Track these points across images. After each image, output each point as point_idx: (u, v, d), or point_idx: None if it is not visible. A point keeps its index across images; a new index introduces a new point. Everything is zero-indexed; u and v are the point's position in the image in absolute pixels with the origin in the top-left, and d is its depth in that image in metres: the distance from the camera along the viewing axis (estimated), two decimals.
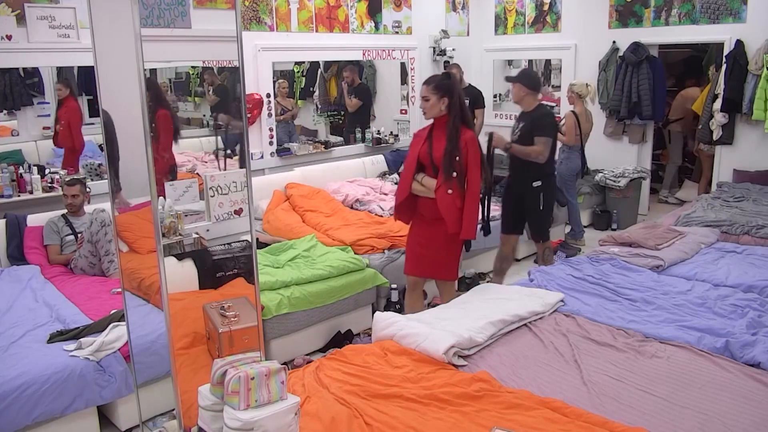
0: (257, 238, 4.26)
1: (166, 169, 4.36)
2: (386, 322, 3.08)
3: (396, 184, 5.08)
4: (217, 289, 3.62)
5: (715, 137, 6.23)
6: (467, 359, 2.83)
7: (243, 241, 4.12)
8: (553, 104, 7.93)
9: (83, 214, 4.28)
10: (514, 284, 3.82)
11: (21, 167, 4.53)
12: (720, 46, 6.25)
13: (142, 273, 3.63)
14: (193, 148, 5.92)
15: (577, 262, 4.09)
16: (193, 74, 6.32)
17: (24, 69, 4.80)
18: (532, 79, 4.35)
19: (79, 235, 4.18)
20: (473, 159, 3.42)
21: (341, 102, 7.15)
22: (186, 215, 4.36)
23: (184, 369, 2.62)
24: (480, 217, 3.78)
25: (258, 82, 5.74)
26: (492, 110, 8.13)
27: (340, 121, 7.19)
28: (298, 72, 6.90)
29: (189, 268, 3.65)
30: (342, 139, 6.89)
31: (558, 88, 7.73)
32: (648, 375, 2.66)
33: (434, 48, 7.32)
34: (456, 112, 3.44)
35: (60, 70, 5.02)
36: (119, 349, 3.03)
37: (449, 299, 3.58)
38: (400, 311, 4.06)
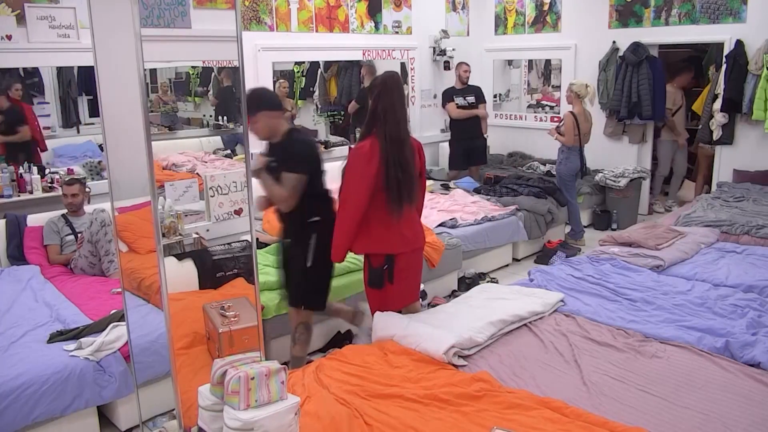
0: (257, 238, 4.26)
1: None
2: (386, 322, 3.08)
3: None
4: (217, 289, 3.63)
5: (715, 137, 6.23)
6: (467, 359, 2.83)
7: (243, 241, 4.13)
8: (553, 104, 7.94)
9: (83, 214, 4.28)
10: (514, 284, 3.82)
11: (21, 167, 4.53)
12: (720, 46, 6.25)
13: (142, 273, 3.64)
14: (193, 148, 5.92)
15: (577, 262, 4.10)
16: (193, 74, 6.32)
17: (24, 69, 4.80)
18: (272, 98, 3.33)
19: (79, 235, 4.18)
20: (347, 172, 3.09)
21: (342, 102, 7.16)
22: (186, 215, 4.38)
23: (184, 369, 2.63)
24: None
25: (258, 82, 5.74)
26: (492, 110, 8.14)
27: (341, 121, 7.19)
28: (298, 72, 6.89)
29: (189, 268, 3.66)
30: (342, 138, 6.89)
31: (558, 88, 7.74)
32: (648, 375, 2.66)
33: (434, 48, 7.33)
34: (373, 118, 3.05)
35: (60, 70, 5.02)
36: (119, 349, 3.03)
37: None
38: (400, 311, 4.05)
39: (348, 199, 3.08)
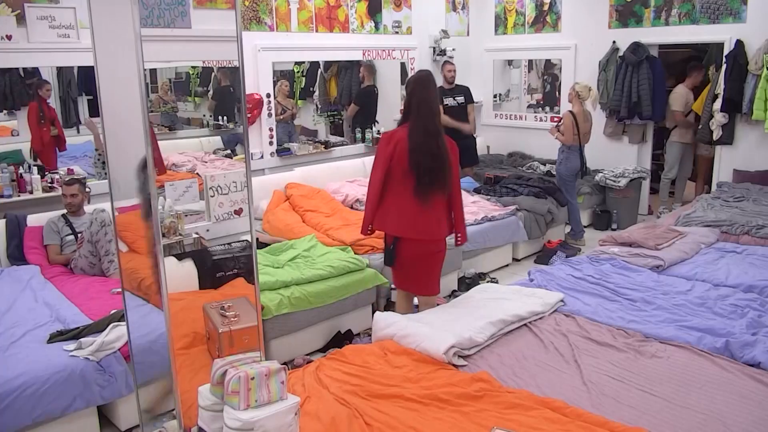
0: (257, 238, 4.26)
1: None
2: (386, 322, 3.08)
3: None
4: (217, 289, 3.63)
5: (715, 137, 6.22)
6: (467, 359, 2.83)
7: (243, 241, 4.13)
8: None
9: (83, 214, 4.28)
10: (514, 284, 3.82)
11: (21, 167, 4.53)
12: (720, 46, 6.25)
13: (142, 273, 3.63)
14: (193, 148, 5.92)
15: (577, 262, 4.10)
16: (193, 74, 6.32)
17: (24, 69, 4.80)
18: None
19: (79, 235, 4.18)
20: (375, 157, 3.42)
21: (341, 102, 7.17)
22: (186, 215, 4.38)
23: (184, 369, 2.62)
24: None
25: (258, 82, 5.74)
26: (492, 110, 8.14)
27: (340, 121, 7.20)
28: (298, 72, 6.89)
29: (189, 268, 3.65)
30: (342, 139, 6.89)
31: (557, 88, 7.74)
32: (648, 375, 2.66)
33: (434, 48, 7.32)
34: (407, 109, 3.35)
35: (60, 70, 5.02)
36: (119, 349, 3.03)
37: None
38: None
39: (371, 176, 3.42)
